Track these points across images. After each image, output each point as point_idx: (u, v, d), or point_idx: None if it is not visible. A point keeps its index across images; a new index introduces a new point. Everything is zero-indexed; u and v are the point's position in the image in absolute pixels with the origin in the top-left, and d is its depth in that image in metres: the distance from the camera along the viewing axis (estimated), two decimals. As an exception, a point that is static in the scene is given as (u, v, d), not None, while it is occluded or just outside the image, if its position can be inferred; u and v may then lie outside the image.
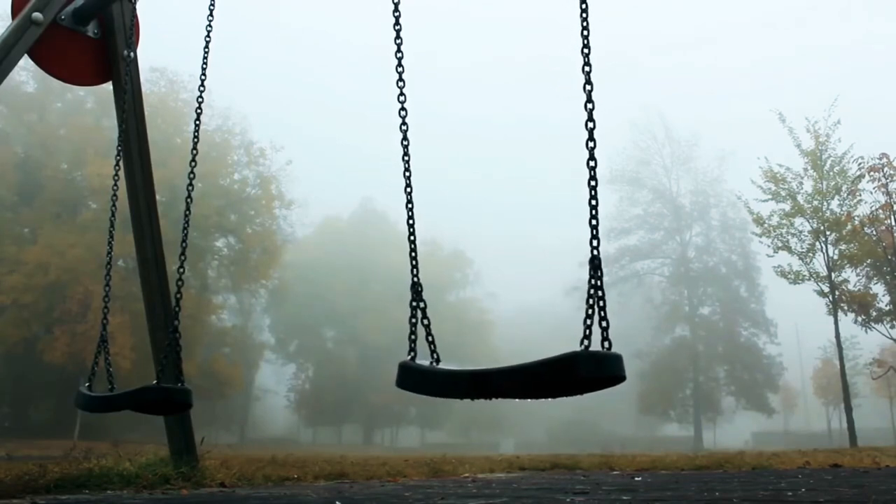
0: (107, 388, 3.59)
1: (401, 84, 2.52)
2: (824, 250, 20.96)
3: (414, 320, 2.26)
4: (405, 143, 2.51)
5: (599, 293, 1.90)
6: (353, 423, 56.96)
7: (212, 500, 3.32)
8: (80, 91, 31.07)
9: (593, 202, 1.98)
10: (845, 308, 21.04)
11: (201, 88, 3.79)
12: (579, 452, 13.06)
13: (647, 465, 6.96)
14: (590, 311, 1.87)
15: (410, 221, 2.46)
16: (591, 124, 2.01)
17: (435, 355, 2.21)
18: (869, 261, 21.07)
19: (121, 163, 4.19)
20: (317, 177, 68.62)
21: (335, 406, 51.96)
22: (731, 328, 47.62)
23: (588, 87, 2.03)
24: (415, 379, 2.16)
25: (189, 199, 3.60)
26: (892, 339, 21.79)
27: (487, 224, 77.71)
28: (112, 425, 23.62)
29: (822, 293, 20.99)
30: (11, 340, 28.92)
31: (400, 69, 2.52)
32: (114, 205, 4.07)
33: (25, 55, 4.02)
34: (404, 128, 2.50)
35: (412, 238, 2.43)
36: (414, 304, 2.29)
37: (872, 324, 21.25)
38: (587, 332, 1.85)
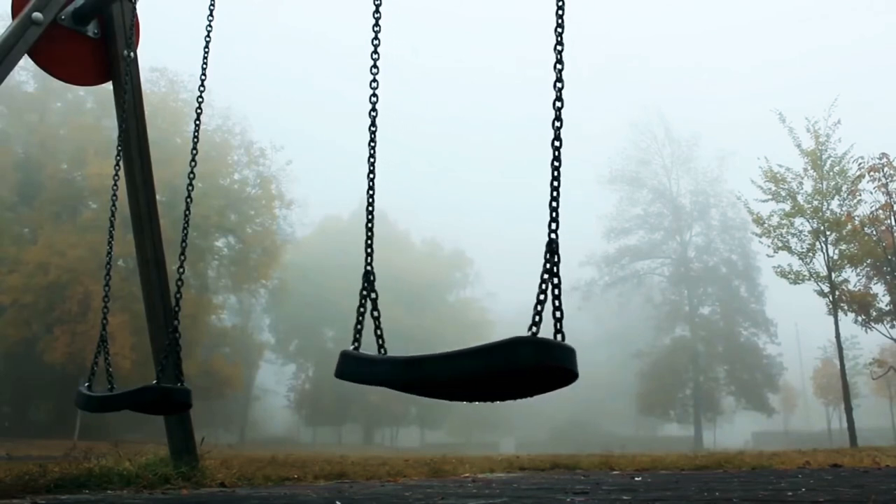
0: (107, 388, 3.59)
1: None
2: (824, 250, 20.95)
3: (362, 310, 2.20)
4: (373, 128, 2.48)
5: (555, 280, 1.78)
6: (353, 423, 56.96)
7: (212, 500, 3.32)
8: (80, 91, 31.07)
9: (555, 183, 1.89)
10: (845, 308, 21.04)
11: (201, 88, 3.80)
12: (579, 452, 13.05)
13: (647, 465, 6.96)
14: (542, 297, 1.75)
15: (370, 209, 2.44)
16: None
17: (383, 350, 2.15)
18: (869, 261, 21.06)
19: (121, 163, 4.19)
20: (317, 177, 68.66)
21: (335, 406, 51.95)
22: (731, 328, 47.63)
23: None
24: (351, 367, 2.06)
25: (189, 199, 3.60)
26: (892, 339, 21.79)
27: (487, 224, 77.77)
28: (112, 425, 23.61)
29: (822, 293, 20.99)
30: (11, 340, 28.93)
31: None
32: (114, 205, 4.07)
33: (25, 55, 4.02)
34: (374, 113, 2.48)
35: (370, 226, 2.40)
36: (364, 293, 2.23)
37: (872, 324, 21.25)
38: (536, 318, 1.73)
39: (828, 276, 20.74)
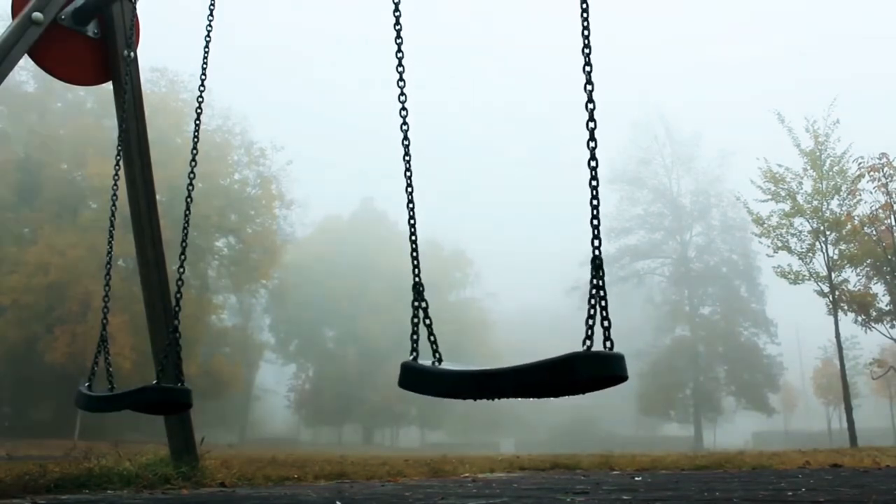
0: (107, 388, 3.59)
1: (401, 84, 2.51)
2: (824, 250, 20.95)
3: (416, 320, 2.26)
4: (406, 142, 2.50)
5: (602, 293, 1.89)
6: (353, 423, 56.96)
7: (212, 500, 3.32)
8: (80, 91, 31.08)
9: (595, 202, 1.98)
10: (845, 308, 21.03)
11: (201, 88, 3.79)
12: (579, 452, 13.05)
13: (647, 465, 6.96)
14: (592, 312, 1.86)
15: (412, 221, 2.44)
16: (591, 124, 2.01)
17: (437, 355, 2.21)
18: (869, 261, 21.06)
19: (121, 163, 4.19)
20: (317, 177, 68.68)
21: (335, 406, 51.98)
22: (731, 328, 47.61)
23: (589, 87, 2.03)
24: (417, 379, 2.16)
25: (189, 199, 3.60)
26: (892, 339, 21.79)
27: (487, 224, 77.80)
28: (112, 425, 23.60)
29: (822, 293, 20.98)
30: (12, 340, 28.91)
31: (400, 69, 2.52)
32: (114, 205, 4.07)
33: (25, 55, 4.02)
34: (405, 127, 2.49)
35: (413, 238, 2.43)
36: (416, 304, 2.29)
37: (872, 324, 21.24)
38: (589, 332, 1.84)
39: (828, 276, 20.74)
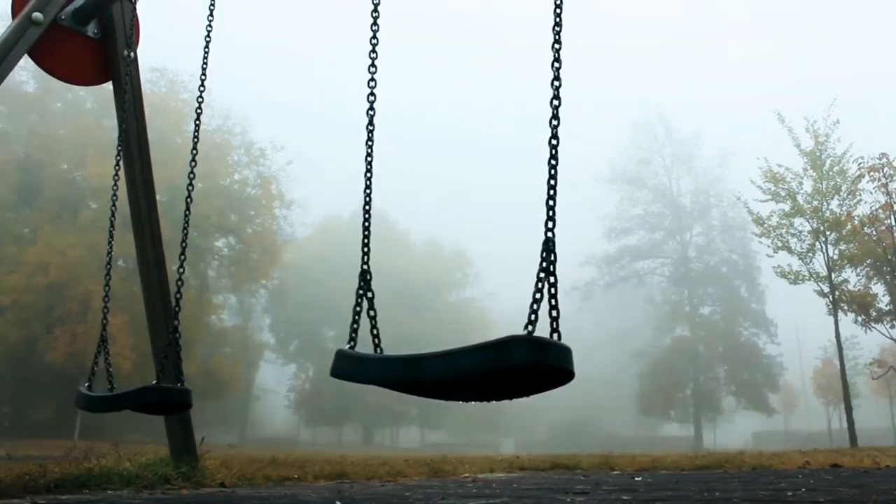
0: (107, 388, 3.59)
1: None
2: (824, 250, 20.94)
3: (359, 309, 2.18)
4: (371, 127, 2.47)
5: (551, 279, 1.77)
6: (353, 423, 56.96)
7: (212, 500, 3.32)
8: (81, 91, 31.06)
9: (552, 182, 1.88)
10: (845, 308, 21.02)
11: (201, 88, 3.80)
12: (579, 452, 13.05)
13: (647, 465, 6.96)
14: (538, 296, 1.74)
15: (367, 208, 2.40)
16: (556, 102, 1.92)
17: (379, 350, 2.14)
18: (869, 261, 21.05)
19: (121, 163, 4.20)
20: (317, 177, 68.60)
21: (335, 406, 51.95)
22: (731, 328, 47.60)
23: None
24: (348, 366, 2.04)
25: (189, 200, 3.60)
26: (892, 339, 21.78)
27: (487, 224, 77.78)
28: (112, 425, 23.59)
29: (822, 293, 20.97)
30: (11, 340, 28.91)
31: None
32: (114, 205, 4.07)
33: (25, 55, 4.02)
34: (371, 112, 2.47)
35: (367, 224, 2.36)
36: (360, 292, 2.20)
37: (872, 324, 21.23)
38: (532, 317, 1.73)
39: (828, 276, 20.73)
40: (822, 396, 52.96)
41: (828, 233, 20.89)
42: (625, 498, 3.18)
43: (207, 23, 3.82)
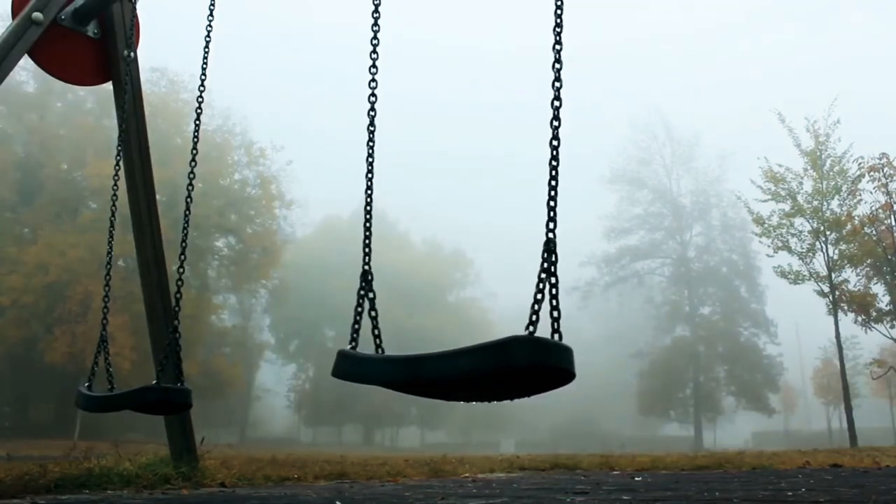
0: (107, 388, 3.59)
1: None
2: (824, 250, 20.96)
3: (360, 309, 2.17)
4: (371, 128, 2.46)
5: (553, 279, 1.77)
6: (353, 423, 56.97)
7: (212, 500, 3.32)
8: (81, 91, 31.06)
9: (553, 182, 1.88)
10: (845, 308, 21.03)
11: (201, 88, 3.79)
12: (579, 452, 13.05)
13: (647, 465, 6.96)
14: (539, 297, 1.74)
15: (368, 209, 2.40)
16: (557, 103, 1.92)
17: (380, 350, 2.13)
18: (869, 261, 21.05)
19: (121, 163, 4.19)
20: (317, 177, 68.67)
21: (335, 406, 51.95)
22: (731, 328, 47.63)
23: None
24: (349, 367, 2.03)
25: (189, 199, 3.60)
26: (892, 338, 21.78)
27: (487, 224, 77.73)
28: (112, 425, 23.60)
29: (822, 293, 20.99)
30: (11, 340, 28.90)
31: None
32: (114, 205, 4.07)
33: (25, 55, 4.02)
34: (372, 113, 2.46)
35: (368, 225, 2.35)
36: (362, 293, 2.20)
37: (872, 324, 21.24)
38: (534, 317, 1.73)
39: (828, 276, 20.74)
40: (822, 396, 52.97)
41: (828, 233, 20.90)
42: (625, 498, 3.18)
43: (207, 23, 3.82)
